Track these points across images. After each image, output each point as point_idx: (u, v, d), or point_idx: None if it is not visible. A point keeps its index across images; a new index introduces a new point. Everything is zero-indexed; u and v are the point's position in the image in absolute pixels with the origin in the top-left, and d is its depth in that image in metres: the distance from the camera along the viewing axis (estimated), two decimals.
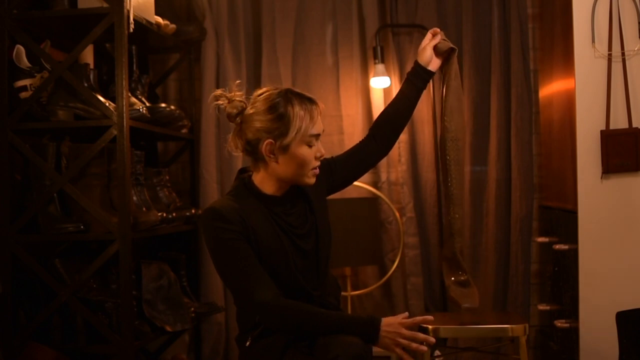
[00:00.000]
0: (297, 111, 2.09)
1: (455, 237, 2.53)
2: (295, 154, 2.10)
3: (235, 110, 2.15)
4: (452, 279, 2.61)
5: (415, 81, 2.38)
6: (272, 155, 2.11)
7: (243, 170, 2.24)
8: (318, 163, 2.16)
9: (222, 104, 2.17)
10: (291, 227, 2.17)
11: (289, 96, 2.11)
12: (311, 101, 2.14)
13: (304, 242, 2.18)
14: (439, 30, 2.40)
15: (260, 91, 2.16)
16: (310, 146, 2.12)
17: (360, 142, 2.44)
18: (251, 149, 2.14)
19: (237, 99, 2.16)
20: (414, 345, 2.03)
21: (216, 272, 3.46)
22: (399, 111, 2.41)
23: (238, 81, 2.22)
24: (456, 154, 2.46)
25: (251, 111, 2.12)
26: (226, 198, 2.15)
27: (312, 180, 2.17)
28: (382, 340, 2.03)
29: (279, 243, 2.12)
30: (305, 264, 2.17)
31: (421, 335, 2.05)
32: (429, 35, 2.41)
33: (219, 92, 2.19)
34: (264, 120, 2.10)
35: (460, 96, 2.49)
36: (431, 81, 2.51)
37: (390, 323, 2.04)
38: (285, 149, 2.10)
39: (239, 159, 3.59)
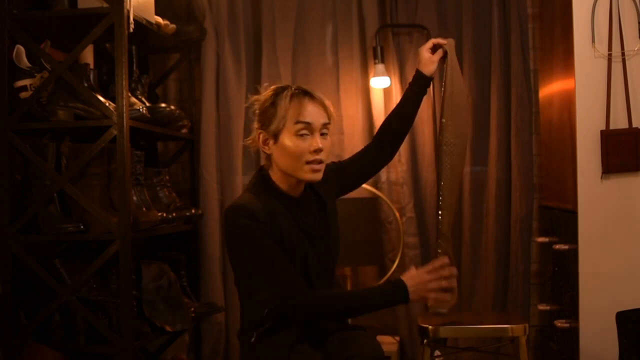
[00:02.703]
0: (285, 100, 2.11)
1: (440, 241, 2.54)
2: (284, 144, 2.10)
3: None
4: None
5: (414, 87, 2.44)
6: (265, 147, 2.14)
7: (262, 168, 2.24)
8: (314, 157, 2.11)
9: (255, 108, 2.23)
10: (309, 228, 2.17)
11: (285, 89, 2.14)
12: (305, 93, 2.14)
13: (320, 243, 2.19)
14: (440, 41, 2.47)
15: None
16: (300, 136, 2.10)
17: (365, 147, 2.49)
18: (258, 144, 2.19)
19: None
20: (444, 283, 2.08)
21: (215, 273, 3.55)
22: (401, 117, 2.47)
23: (266, 83, 2.27)
24: (450, 158, 2.45)
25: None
26: (249, 196, 2.12)
27: (309, 176, 2.12)
28: (413, 295, 2.05)
29: (299, 242, 2.13)
30: (319, 265, 2.18)
31: (444, 271, 2.09)
32: (429, 43, 2.47)
33: (254, 98, 2.22)
34: (258, 114, 2.16)
35: (461, 100, 2.48)
36: (432, 83, 2.52)
37: (412, 276, 2.08)
38: (275, 139, 2.12)
39: (239, 159, 3.60)
